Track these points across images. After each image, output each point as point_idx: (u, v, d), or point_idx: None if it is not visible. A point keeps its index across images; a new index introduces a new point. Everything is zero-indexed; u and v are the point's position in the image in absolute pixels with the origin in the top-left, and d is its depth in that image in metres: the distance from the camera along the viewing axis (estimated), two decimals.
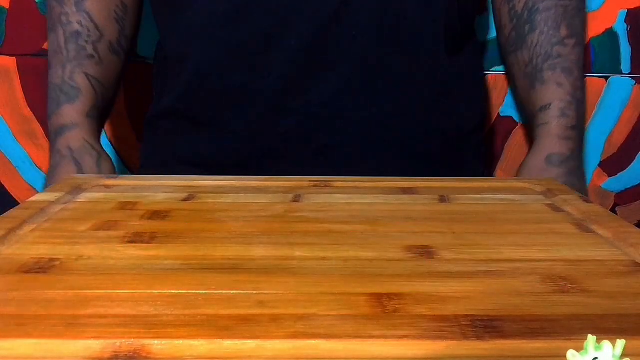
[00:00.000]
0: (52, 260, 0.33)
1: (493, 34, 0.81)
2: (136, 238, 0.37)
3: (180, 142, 0.69)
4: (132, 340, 0.25)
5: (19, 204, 0.45)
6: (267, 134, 0.64)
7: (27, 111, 0.80)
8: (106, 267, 0.33)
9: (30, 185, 0.84)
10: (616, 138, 0.84)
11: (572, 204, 0.46)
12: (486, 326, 0.26)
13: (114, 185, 0.50)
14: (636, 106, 0.83)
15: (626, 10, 0.79)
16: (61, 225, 0.40)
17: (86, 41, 0.64)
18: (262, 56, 0.62)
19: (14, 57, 0.79)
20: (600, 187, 0.85)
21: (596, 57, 0.81)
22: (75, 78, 0.63)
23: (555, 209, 0.45)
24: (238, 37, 0.62)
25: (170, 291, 0.29)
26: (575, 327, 0.26)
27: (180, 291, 0.29)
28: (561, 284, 0.31)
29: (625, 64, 0.82)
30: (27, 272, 0.32)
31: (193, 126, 0.67)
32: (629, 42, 0.81)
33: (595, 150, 0.84)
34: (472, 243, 0.37)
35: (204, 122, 0.66)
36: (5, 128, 0.82)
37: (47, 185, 0.60)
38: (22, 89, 0.81)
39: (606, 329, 0.27)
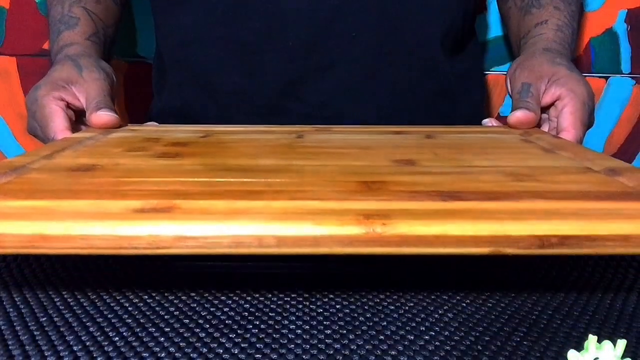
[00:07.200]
0: (94, 165, 0.40)
1: (493, 34, 0.83)
2: (163, 155, 0.44)
3: None
4: (166, 200, 0.31)
5: None
6: None
7: None
8: (140, 168, 0.39)
9: None
10: (616, 138, 0.86)
11: (544, 139, 0.52)
12: (451, 196, 0.32)
13: (139, 129, 0.56)
14: (636, 106, 0.85)
15: (626, 10, 0.81)
16: (98, 148, 0.46)
17: None
18: (260, 56, 0.63)
19: (14, 57, 0.81)
20: None
21: (596, 57, 0.82)
22: (74, 10, 0.64)
23: (528, 141, 0.51)
24: (236, 37, 0.63)
25: (194, 179, 0.36)
26: (523, 196, 0.33)
27: (203, 179, 0.36)
28: (519, 176, 0.37)
29: (625, 64, 0.83)
30: (75, 170, 0.38)
31: (193, 125, 0.68)
32: (629, 42, 0.82)
33: (595, 150, 0.86)
34: (450, 158, 0.43)
35: (203, 122, 0.67)
36: (5, 128, 0.83)
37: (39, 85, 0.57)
38: (22, 89, 0.81)
39: (547, 196, 0.33)
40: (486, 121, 0.63)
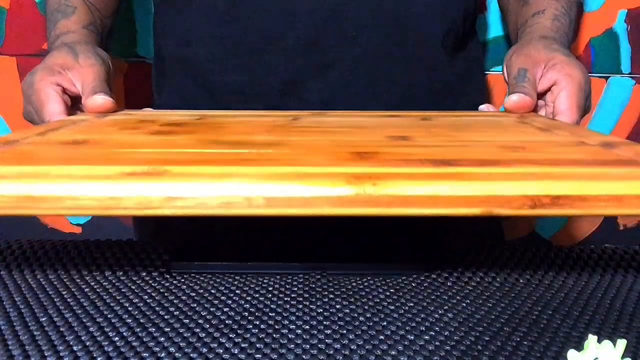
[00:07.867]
0: (86, 140, 0.39)
1: (493, 34, 0.82)
2: (157, 132, 0.43)
3: None
4: (158, 166, 0.31)
5: None
6: None
7: None
8: (134, 141, 0.39)
9: None
10: None
11: (540, 120, 0.52)
12: (443, 163, 0.32)
13: (134, 113, 0.56)
14: (636, 106, 0.84)
15: (626, 10, 0.80)
16: (93, 128, 0.46)
17: None
18: (260, 55, 0.63)
19: (14, 57, 0.80)
20: None
21: (596, 57, 0.81)
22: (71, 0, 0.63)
23: (524, 122, 0.51)
24: (237, 36, 0.63)
25: (187, 150, 0.36)
26: (515, 162, 0.32)
27: (196, 150, 0.36)
28: (513, 148, 0.37)
29: (625, 64, 0.82)
30: (67, 144, 0.38)
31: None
32: (629, 42, 0.81)
33: None
34: (444, 135, 0.43)
35: None
36: (5, 128, 0.82)
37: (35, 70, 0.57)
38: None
39: (539, 162, 0.32)
40: (483, 107, 0.62)
